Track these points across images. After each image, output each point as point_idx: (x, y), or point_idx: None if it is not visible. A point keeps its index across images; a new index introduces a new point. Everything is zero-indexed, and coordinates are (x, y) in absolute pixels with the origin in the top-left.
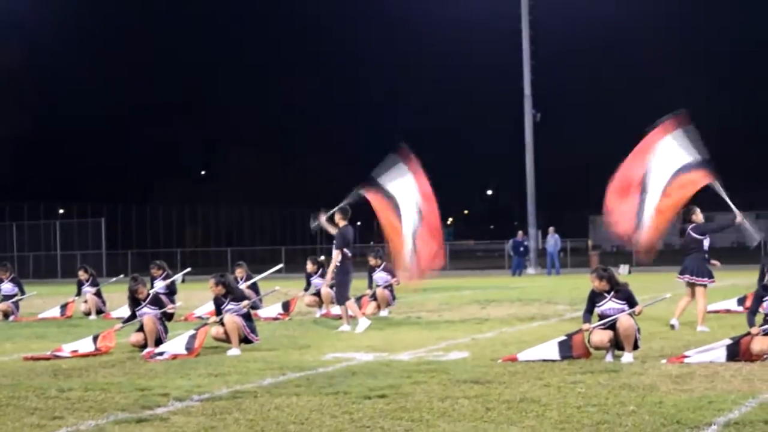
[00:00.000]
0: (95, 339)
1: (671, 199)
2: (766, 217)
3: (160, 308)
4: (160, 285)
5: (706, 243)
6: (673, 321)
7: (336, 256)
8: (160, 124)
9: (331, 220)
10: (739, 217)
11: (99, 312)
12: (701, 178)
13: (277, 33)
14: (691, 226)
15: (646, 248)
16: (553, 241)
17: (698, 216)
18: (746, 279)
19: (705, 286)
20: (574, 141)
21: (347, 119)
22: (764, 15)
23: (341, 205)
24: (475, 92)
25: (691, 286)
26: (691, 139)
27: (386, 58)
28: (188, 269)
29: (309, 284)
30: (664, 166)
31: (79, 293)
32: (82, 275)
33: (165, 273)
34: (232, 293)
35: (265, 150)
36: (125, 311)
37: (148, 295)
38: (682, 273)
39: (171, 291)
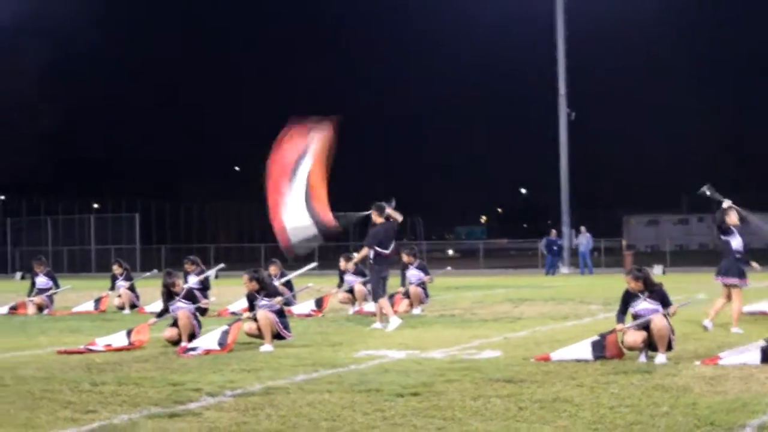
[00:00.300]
0: (129, 333)
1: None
2: None
3: (194, 303)
4: (193, 280)
5: (735, 243)
6: (706, 322)
7: (364, 252)
8: (195, 119)
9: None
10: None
11: (133, 306)
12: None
13: (304, 25)
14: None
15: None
16: (585, 240)
17: (730, 217)
18: None
19: (736, 286)
20: (608, 141)
21: (380, 120)
22: None
23: (377, 202)
24: (511, 90)
25: (727, 287)
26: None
27: (424, 53)
28: (222, 265)
29: (342, 281)
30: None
31: (113, 287)
32: (116, 269)
33: (199, 269)
34: (265, 289)
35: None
36: (159, 306)
37: (182, 289)
38: (716, 274)
39: (204, 287)
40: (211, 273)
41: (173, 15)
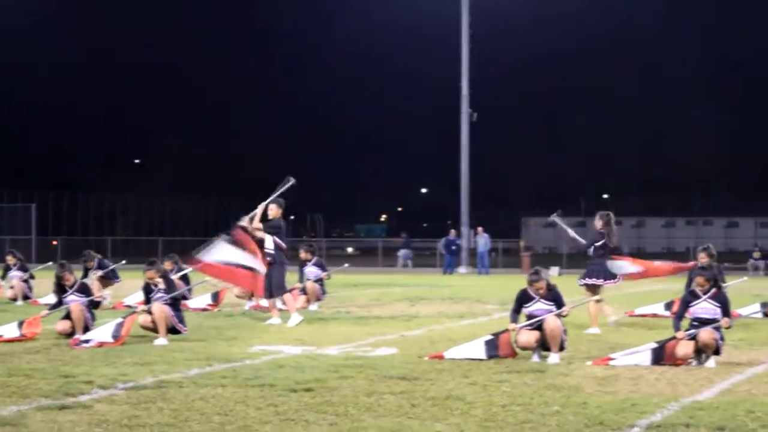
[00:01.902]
0: (20, 325)
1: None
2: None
3: (87, 296)
4: (94, 276)
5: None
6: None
7: (262, 235)
8: (95, 112)
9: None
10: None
11: (26, 298)
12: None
13: (217, 24)
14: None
15: None
16: (483, 240)
17: (595, 223)
18: (674, 284)
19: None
20: (509, 142)
21: (284, 115)
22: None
23: (275, 197)
24: (413, 90)
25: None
26: None
27: (325, 54)
28: (123, 261)
29: None
30: None
31: (4, 277)
32: (9, 260)
33: (98, 262)
34: (165, 280)
35: (199, 141)
36: (52, 298)
37: (75, 282)
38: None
39: (113, 276)
40: (110, 267)
41: (82, 12)
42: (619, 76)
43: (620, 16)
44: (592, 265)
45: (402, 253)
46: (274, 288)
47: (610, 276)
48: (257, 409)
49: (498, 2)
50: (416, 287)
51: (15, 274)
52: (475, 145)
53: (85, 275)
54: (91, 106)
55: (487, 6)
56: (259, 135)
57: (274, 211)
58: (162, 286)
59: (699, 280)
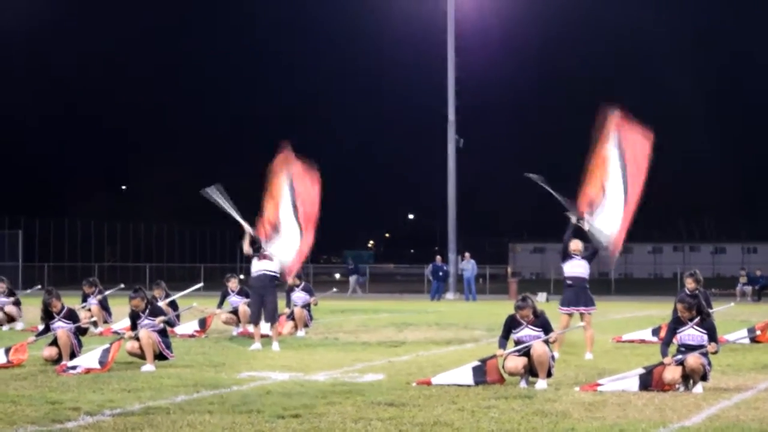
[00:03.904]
0: (7, 351)
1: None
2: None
3: (75, 322)
4: (92, 302)
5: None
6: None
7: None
8: (80, 137)
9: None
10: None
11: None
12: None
13: (204, 49)
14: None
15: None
16: (469, 266)
17: (574, 244)
18: (661, 310)
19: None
20: (496, 168)
21: (272, 142)
22: None
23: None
24: (400, 116)
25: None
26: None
27: (312, 81)
28: (121, 285)
29: (222, 301)
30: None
31: None
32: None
33: (97, 290)
34: (150, 306)
35: (185, 167)
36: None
37: (62, 308)
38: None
39: (104, 307)
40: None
41: (69, 28)
42: (606, 99)
43: (607, 41)
44: (566, 292)
45: (353, 279)
46: (268, 313)
47: (584, 303)
48: None
49: (484, 28)
50: (403, 313)
51: (3, 300)
52: (462, 171)
53: (84, 300)
54: (77, 132)
55: (474, 32)
56: (246, 161)
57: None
58: (152, 316)
59: (680, 307)
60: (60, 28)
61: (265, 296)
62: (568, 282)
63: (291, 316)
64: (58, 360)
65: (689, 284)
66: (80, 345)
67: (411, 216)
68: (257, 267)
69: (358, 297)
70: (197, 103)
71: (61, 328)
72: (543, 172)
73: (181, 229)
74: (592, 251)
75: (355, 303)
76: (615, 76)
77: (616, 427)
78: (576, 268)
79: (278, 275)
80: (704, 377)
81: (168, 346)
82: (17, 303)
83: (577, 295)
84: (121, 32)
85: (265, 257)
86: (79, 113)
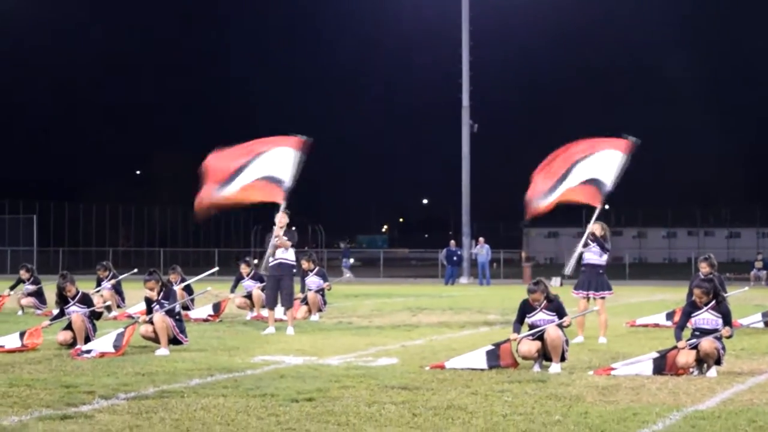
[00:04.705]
0: (22, 335)
1: (568, 195)
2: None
3: (89, 307)
4: (106, 286)
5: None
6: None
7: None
8: (96, 122)
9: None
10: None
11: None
12: (593, 197)
13: (223, 36)
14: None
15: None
16: (483, 251)
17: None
18: (675, 294)
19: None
20: (511, 152)
21: (285, 127)
22: None
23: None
24: (415, 101)
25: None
26: (621, 167)
27: (325, 66)
28: (135, 270)
29: (236, 285)
30: (587, 169)
31: (12, 288)
32: (23, 274)
33: (111, 273)
34: (165, 290)
35: (201, 151)
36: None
37: (77, 292)
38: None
39: (117, 292)
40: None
41: (84, 16)
42: (620, 86)
43: (621, 29)
44: (580, 276)
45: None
46: (284, 297)
47: (596, 287)
48: (259, 419)
49: (500, 14)
50: (418, 298)
51: (28, 287)
52: (477, 155)
53: (98, 285)
54: (92, 117)
55: (489, 18)
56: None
57: (287, 219)
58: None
59: (697, 292)
60: (79, 15)
61: (282, 281)
62: (583, 268)
63: (305, 301)
64: (72, 344)
65: (704, 269)
66: (95, 329)
67: (425, 201)
68: (276, 255)
69: (351, 281)
70: (213, 86)
71: (76, 312)
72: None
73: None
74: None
75: (369, 287)
76: (629, 61)
77: (629, 411)
78: (591, 255)
79: (295, 265)
80: (718, 361)
81: (182, 331)
82: (40, 292)
83: (590, 279)
84: (141, 19)
85: (282, 245)
86: (94, 98)
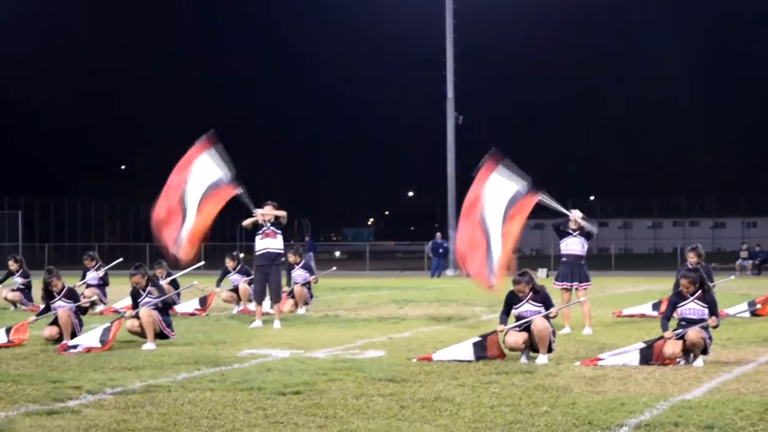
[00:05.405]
0: (8, 331)
1: (511, 227)
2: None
3: (75, 302)
4: (92, 276)
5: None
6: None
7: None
8: (80, 117)
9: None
10: (572, 215)
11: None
12: (528, 203)
13: (207, 30)
14: None
15: (500, 280)
16: None
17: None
18: (661, 285)
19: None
20: (496, 144)
21: (271, 121)
22: None
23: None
24: (399, 93)
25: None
26: (515, 171)
27: (310, 60)
28: (121, 259)
29: (222, 279)
30: (495, 202)
31: (1, 282)
32: (12, 265)
33: (98, 264)
34: (152, 284)
35: (186, 146)
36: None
37: (63, 287)
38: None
39: (104, 282)
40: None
41: (69, 13)
42: (605, 78)
43: (606, 22)
44: (561, 267)
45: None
46: (272, 291)
47: (579, 278)
48: (246, 412)
49: (485, 5)
50: (404, 290)
51: (17, 280)
52: (462, 147)
53: (84, 275)
54: (77, 112)
55: (474, 9)
56: (246, 140)
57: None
58: (154, 294)
59: (683, 282)
60: (62, 9)
61: (270, 274)
62: (564, 258)
63: (291, 294)
64: (58, 339)
65: (691, 258)
66: (81, 324)
67: (411, 193)
68: (261, 245)
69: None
70: (196, 81)
71: (62, 307)
72: (542, 147)
73: None
74: (588, 232)
75: (354, 280)
76: (615, 51)
77: (617, 401)
78: (572, 245)
79: (283, 253)
80: (705, 351)
81: (169, 325)
82: (29, 286)
83: (572, 270)
84: (124, 13)
85: (268, 235)
86: (78, 94)
